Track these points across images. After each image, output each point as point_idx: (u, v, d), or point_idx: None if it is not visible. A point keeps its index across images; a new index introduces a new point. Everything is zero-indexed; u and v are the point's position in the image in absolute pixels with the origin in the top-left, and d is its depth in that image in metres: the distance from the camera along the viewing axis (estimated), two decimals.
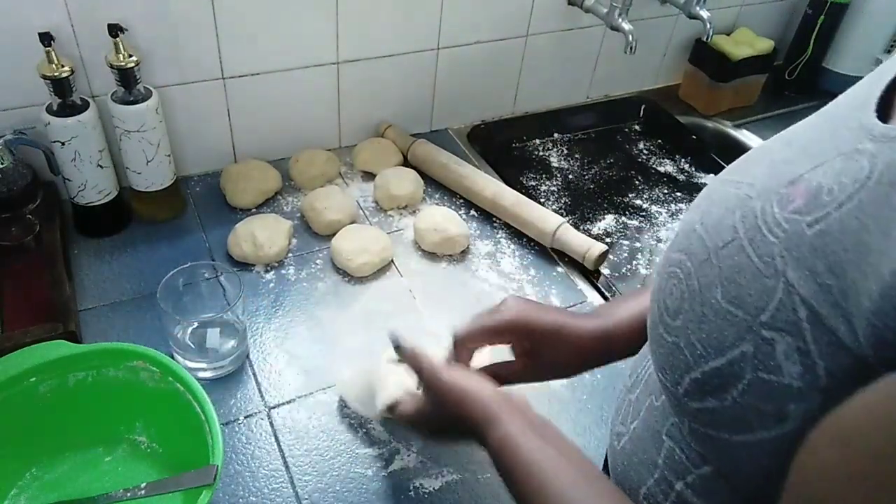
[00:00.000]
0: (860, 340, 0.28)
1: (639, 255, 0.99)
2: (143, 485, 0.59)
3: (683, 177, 1.17)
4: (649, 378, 0.50)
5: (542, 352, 0.59)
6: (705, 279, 0.37)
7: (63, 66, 0.76)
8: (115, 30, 0.77)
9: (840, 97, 0.39)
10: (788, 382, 0.32)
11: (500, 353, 0.62)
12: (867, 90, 0.36)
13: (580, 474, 0.46)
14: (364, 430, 0.70)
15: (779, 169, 0.37)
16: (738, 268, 0.35)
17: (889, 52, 1.32)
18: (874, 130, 0.32)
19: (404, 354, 0.57)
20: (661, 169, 1.18)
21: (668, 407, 0.45)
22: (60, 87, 0.77)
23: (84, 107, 0.80)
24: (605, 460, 0.60)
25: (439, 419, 0.56)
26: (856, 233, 0.29)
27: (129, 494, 0.59)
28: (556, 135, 1.23)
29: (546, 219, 0.93)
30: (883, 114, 0.34)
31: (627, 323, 0.58)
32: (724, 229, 0.37)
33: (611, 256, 0.97)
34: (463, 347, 0.60)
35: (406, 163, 1.06)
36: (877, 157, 0.31)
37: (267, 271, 0.86)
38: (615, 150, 1.22)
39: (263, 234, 0.86)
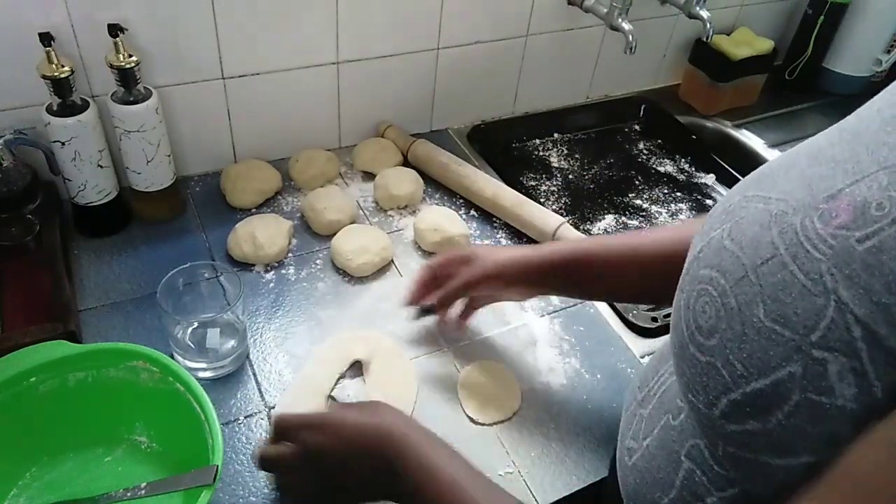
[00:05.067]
0: None
1: None
2: (143, 485, 0.59)
3: (683, 177, 1.17)
4: (664, 395, 0.50)
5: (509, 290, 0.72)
6: (744, 297, 0.35)
7: (63, 66, 0.76)
8: (115, 30, 0.77)
9: (861, 112, 0.38)
10: (842, 404, 0.30)
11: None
12: (894, 105, 0.35)
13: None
14: None
15: (812, 184, 0.36)
16: (782, 285, 0.33)
17: (889, 52, 1.32)
18: None
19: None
20: (661, 169, 1.18)
21: (687, 428, 0.44)
22: (60, 87, 0.77)
23: (84, 107, 0.80)
24: (611, 470, 0.59)
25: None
26: None
27: (129, 494, 0.59)
28: (556, 135, 1.23)
29: (546, 219, 0.93)
30: None
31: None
32: (762, 246, 0.36)
33: None
34: (448, 304, 0.73)
35: (406, 163, 1.06)
36: None
37: (267, 271, 0.86)
38: (615, 150, 1.22)
39: (263, 234, 0.86)
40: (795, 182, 0.37)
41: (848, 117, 0.39)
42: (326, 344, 0.78)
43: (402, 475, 0.50)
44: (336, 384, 0.74)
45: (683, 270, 0.42)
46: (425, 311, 0.75)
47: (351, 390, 0.74)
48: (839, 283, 0.31)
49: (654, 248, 0.63)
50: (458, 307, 0.76)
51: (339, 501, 0.55)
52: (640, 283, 0.66)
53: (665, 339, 0.56)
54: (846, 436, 0.31)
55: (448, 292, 0.72)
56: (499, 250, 0.72)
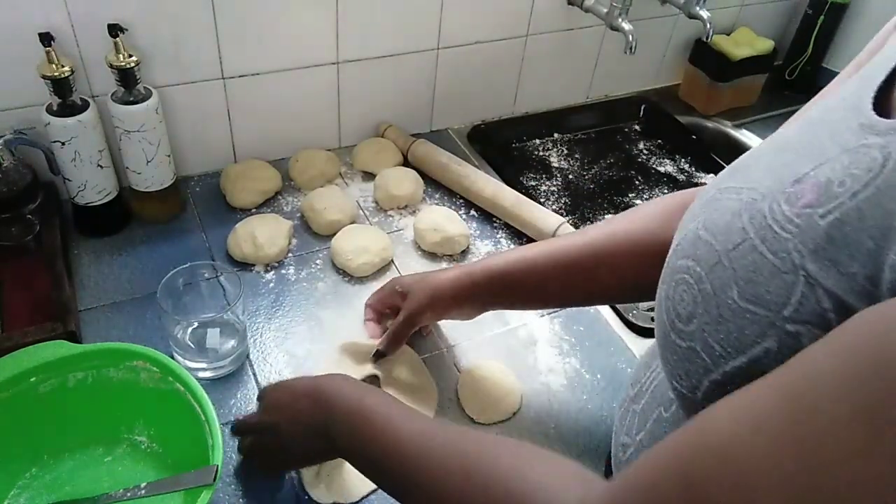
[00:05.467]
0: None
1: None
2: (143, 485, 0.59)
3: (683, 177, 1.17)
4: (655, 389, 0.50)
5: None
6: (718, 281, 0.37)
7: (63, 66, 0.76)
8: (115, 30, 0.77)
9: (827, 102, 0.40)
10: None
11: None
12: (856, 93, 0.37)
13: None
14: None
15: (780, 172, 0.37)
16: (753, 267, 0.35)
17: None
18: (878, 126, 0.33)
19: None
20: (661, 169, 1.18)
21: (679, 418, 0.45)
22: (60, 87, 0.77)
23: (84, 107, 0.80)
24: (607, 469, 0.59)
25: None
26: (879, 218, 0.30)
27: (129, 494, 0.59)
28: (556, 135, 1.23)
29: (546, 219, 0.93)
30: (880, 113, 0.34)
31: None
32: (733, 232, 0.37)
33: None
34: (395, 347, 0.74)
35: (406, 163, 1.06)
36: (888, 147, 0.31)
37: (267, 271, 0.86)
38: (615, 150, 1.22)
39: (263, 234, 0.86)
40: (764, 172, 0.39)
41: (813, 108, 0.41)
42: (345, 345, 0.77)
43: (334, 420, 0.54)
44: None
45: (664, 264, 0.44)
46: (379, 356, 0.74)
47: None
48: (806, 258, 0.32)
49: (580, 251, 0.65)
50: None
51: (284, 457, 0.61)
52: (566, 290, 0.67)
53: None
54: None
55: (393, 334, 0.73)
56: (430, 277, 0.72)
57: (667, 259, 0.43)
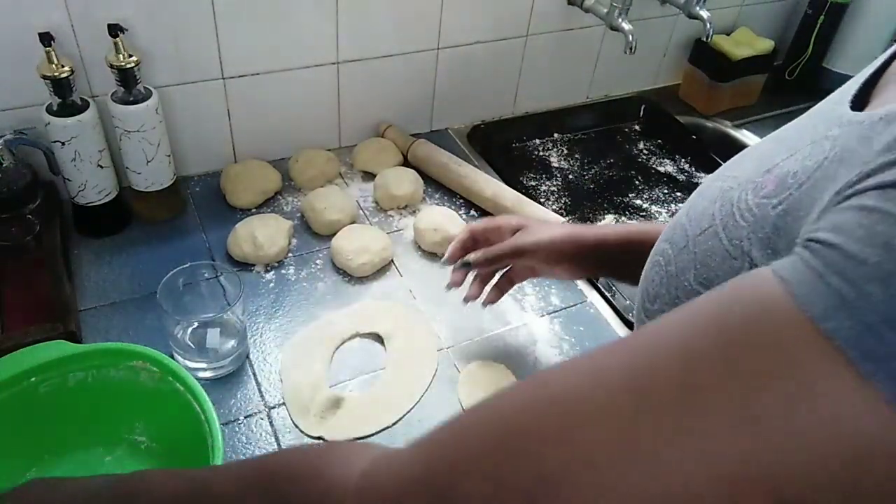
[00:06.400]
0: None
1: None
2: None
3: (683, 177, 1.17)
4: None
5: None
6: (681, 264, 0.39)
7: (63, 66, 0.76)
8: (115, 30, 0.77)
9: (825, 100, 0.41)
10: None
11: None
12: (845, 88, 0.38)
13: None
14: None
15: (761, 162, 0.39)
16: (711, 252, 0.37)
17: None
18: (843, 118, 0.34)
19: None
20: (661, 169, 1.18)
21: None
22: (60, 87, 0.77)
23: (84, 107, 0.80)
24: None
25: None
26: (807, 207, 0.31)
27: None
28: (556, 135, 1.23)
29: (546, 219, 0.93)
30: (859, 106, 0.35)
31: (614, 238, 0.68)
32: (704, 218, 0.39)
33: None
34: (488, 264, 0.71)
35: (406, 163, 1.06)
36: (838, 139, 0.32)
37: (267, 271, 0.86)
38: (615, 150, 1.22)
39: (263, 234, 0.86)
40: (751, 162, 0.40)
41: (818, 103, 0.42)
42: (354, 307, 0.82)
43: None
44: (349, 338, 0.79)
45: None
46: (465, 265, 0.71)
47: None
48: (753, 245, 0.34)
49: None
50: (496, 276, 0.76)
51: None
52: None
53: None
54: None
55: (495, 252, 0.69)
56: (551, 225, 0.71)
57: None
